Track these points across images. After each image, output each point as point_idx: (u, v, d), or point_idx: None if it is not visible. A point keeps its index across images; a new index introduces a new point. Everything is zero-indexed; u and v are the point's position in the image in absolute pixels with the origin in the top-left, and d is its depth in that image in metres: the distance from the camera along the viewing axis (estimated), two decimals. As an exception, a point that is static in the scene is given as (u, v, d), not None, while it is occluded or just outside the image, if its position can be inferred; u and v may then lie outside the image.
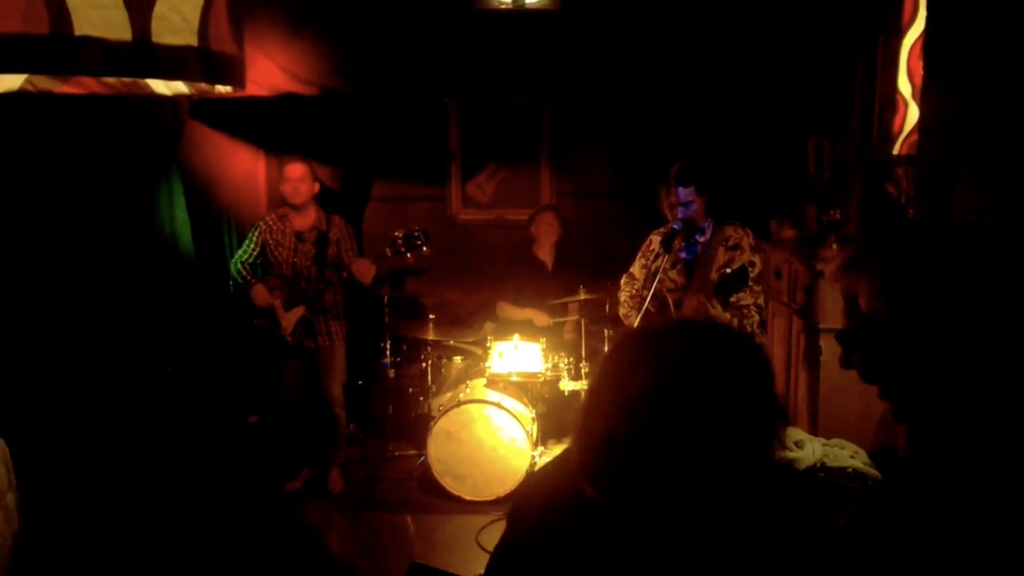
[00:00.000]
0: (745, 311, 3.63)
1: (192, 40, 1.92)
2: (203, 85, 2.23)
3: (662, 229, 4.16)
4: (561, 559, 1.23)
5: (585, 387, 4.86)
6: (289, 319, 4.44)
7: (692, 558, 1.20)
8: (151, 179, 4.91)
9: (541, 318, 5.23)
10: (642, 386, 1.20)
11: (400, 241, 4.36)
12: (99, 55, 1.75)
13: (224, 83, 2.19)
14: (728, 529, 1.24)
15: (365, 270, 4.34)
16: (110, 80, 2.23)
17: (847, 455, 3.14)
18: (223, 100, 4.91)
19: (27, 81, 2.23)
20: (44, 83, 2.23)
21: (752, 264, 3.61)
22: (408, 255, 4.39)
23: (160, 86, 2.42)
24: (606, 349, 5.00)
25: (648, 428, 1.18)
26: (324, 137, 5.55)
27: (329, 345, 4.57)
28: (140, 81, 2.34)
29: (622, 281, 4.36)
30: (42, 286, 4.25)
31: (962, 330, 1.06)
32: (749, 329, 3.62)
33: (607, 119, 5.96)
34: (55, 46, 1.69)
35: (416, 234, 4.39)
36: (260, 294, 4.43)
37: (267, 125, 5.43)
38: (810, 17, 4.94)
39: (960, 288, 1.07)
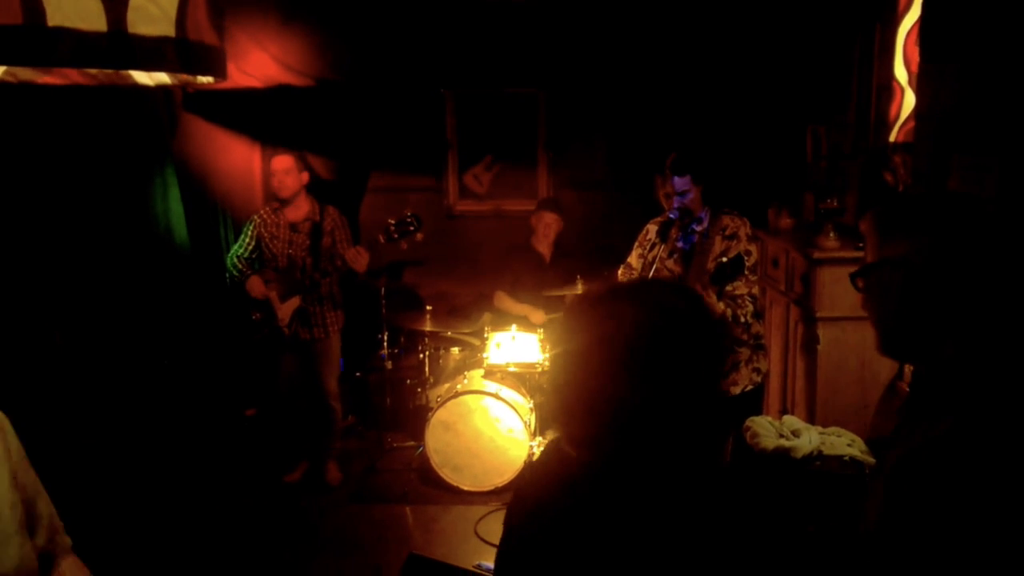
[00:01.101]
0: (739, 300, 3.61)
1: (170, 31, 1.90)
2: (184, 76, 2.21)
3: (659, 219, 4.13)
4: (564, 538, 1.25)
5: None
6: (285, 311, 4.43)
7: (684, 534, 1.23)
8: (145, 172, 4.90)
9: (537, 315, 5.22)
10: (620, 345, 1.24)
11: (393, 227, 4.34)
12: (74, 46, 1.73)
13: (204, 74, 2.17)
14: (713, 506, 1.28)
15: (358, 257, 4.31)
16: (92, 71, 2.21)
17: (844, 443, 3.13)
18: (217, 92, 4.89)
19: (7, 72, 2.21)
20: (25, 74, 2.21)
21: (748, 253, 3.59)
22: (401, 241, 4.36)
23: (143, 77, 2.40)
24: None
25: (630, 383, 1.22)
26: (319, 128, 5.52)
27: (324, 337, 4.56)
28: (122, 72, 2.32)
29: (619, 271, 4.34)
30: (37, 281, 4.25)
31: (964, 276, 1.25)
32: (743, 319, 3.61)
33: (604, 109, 5.93)
34: (29, 37, 1.67)
35: (408, 219, 4.33)
36: (256, 286, 4.42)
37: (262, 117, 5.41)
38: (807, 5, 4.91)
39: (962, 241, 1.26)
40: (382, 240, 4.35)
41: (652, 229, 4.10)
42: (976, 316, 1.25)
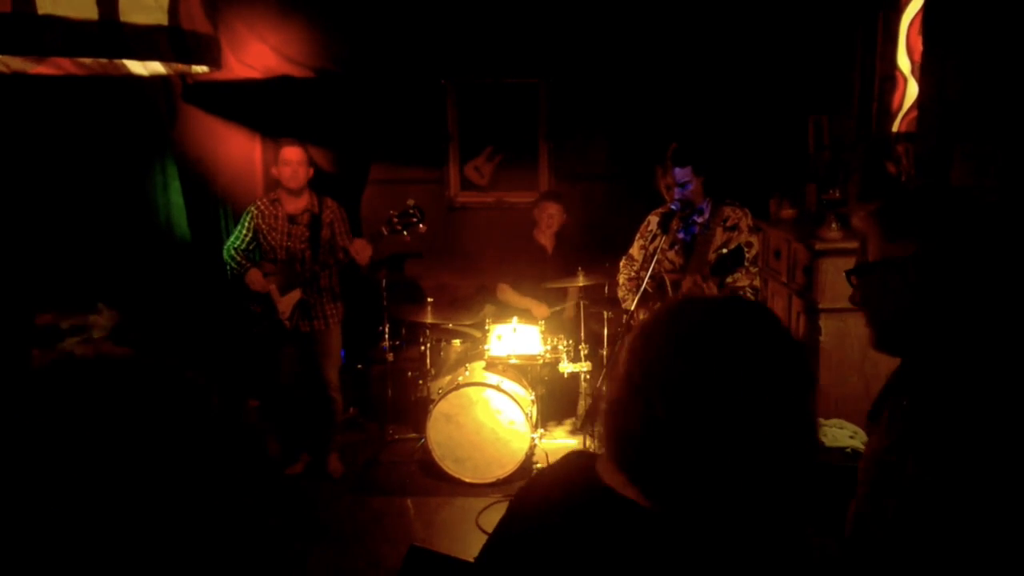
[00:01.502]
0: (740, 292, 3.60)
1: (162, 19, 1.88)
2: (179, 65, 2.19)
3: (660, 210, 4.12)
4: (565, 556, 1.15)
5: (587, 369, 4.84)
6: (286, 303, 4.42)
7: (724, 558, 1.10)
8: (146, 164, 4.89)
9: (540, 309, 5.21)
10: (674, 367, 1.10)
11: (396, 219, 4.32)
12: (64, 35, 1.71)
13: (198, 63, 2.15)
14: (765, 528, 1.14)
15: (362, 250, 4.30)
16: (85, 60, 2.19)
17: (846, 435, 3.13)
18: (217, 83, 4.87)
19: (0, 63, 2.19)
20: (16, 64, 2.19)
21: (749, 245, 3.58)
22: (404, 232, 4.34)
23: (137, 67, 2.38)
24: (605, 331, 4.98)
25: (689, 412, 1.08)
26: (320, 120, 5.50)
27: (325, 328, 4.55)
28: (115, 61, 2.30)
29: (621, 263, 4.33)
30: (37, 271, 4.24)
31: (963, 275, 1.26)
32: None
33: (605, 100, 5.90)
34: (18, 25, 1.65)
35: (411, 211, 4.32)
36: (255, 279, 4.41)
37: (262, 108, 5.38)
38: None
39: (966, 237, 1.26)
40: (385, 232, 4.34)
41: (654, 220, 4.09)
42: (975, 316, 1.25)
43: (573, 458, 1.30)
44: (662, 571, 1.09)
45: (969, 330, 1.25)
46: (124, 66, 2.30)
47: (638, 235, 4.22)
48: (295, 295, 4.42)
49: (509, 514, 1.31)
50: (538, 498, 1.29)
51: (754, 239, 3.89)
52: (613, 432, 1.17)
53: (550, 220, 5.36)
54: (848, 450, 3.03)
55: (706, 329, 1.13)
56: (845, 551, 1.41)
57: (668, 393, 1.08)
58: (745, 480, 1.08)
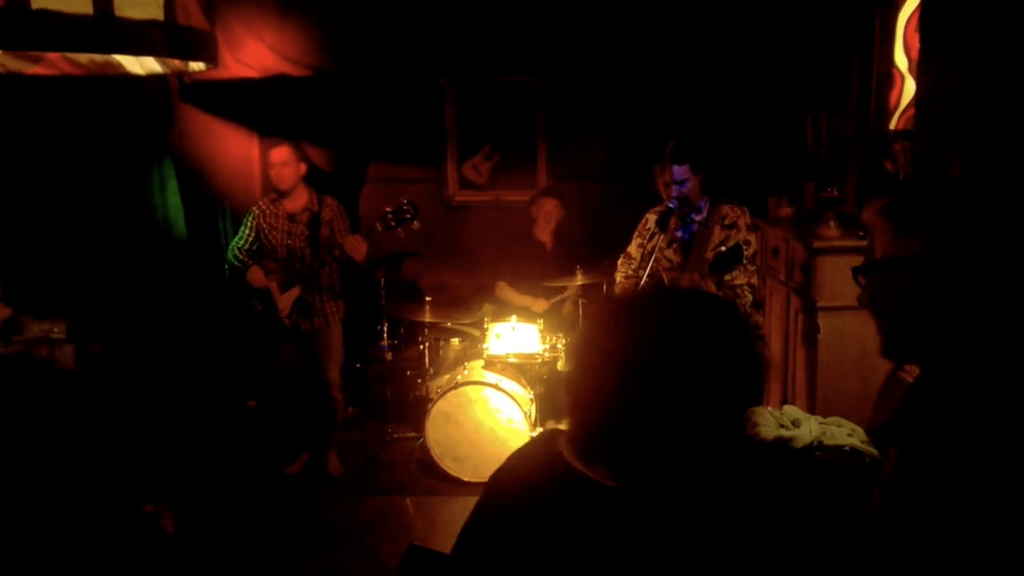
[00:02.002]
0: (738, 290, 3.60)
1: (158, 14, 1.87)
2: (176, 63, 2.18)
3: (657, 208, 4.12)
4: (537, 535, 1.21)
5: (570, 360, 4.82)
6: (285, 301, 4.42)
7: (687, 538, 1.18)
8: (143, 164, 4.89)
9: (539, 304, 5.21)
10: (639, 353, 1.17)
11: (390, 216, 4.32)
12: (58, 29, 1.70)
13: (195, 59, 2.15)
14: (719, 505, 1.23)
15: (356, 246, 4.29)
16: (80, 60, 2.18)
17: (845, 433, 3.12)
18: (214, 82, 4.87)
19: (-3, 63, 2.19)
20: (12, 64, 2.18)
21: (747, 243, 3.58)
22: (399, 228, 4.34)
23: (132, 64, 2.37)
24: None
25: (651, 395, 1.16)
26: (317, 119, 5.50)
27: (325, 327, 4.55)
28: (111, 61, 2.29)
29: (619, 261, 4.33)
30: (35, 272, 4.24)
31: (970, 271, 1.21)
32: (742, 309, 3.59)
33: (604, 98, 5.89)
34: (11, 19, 1.64)
35: (405, 208, 4.32)
36: (256, 276, 4.42)
37: (259, 107, 5.38)
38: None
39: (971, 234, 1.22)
40: (379, 229, 4.34)
41: (651, 218, 4.09)
42: (987, 317, 1.21)
43: (546, 437, 1.35)
44: (633, 547, 1.16)
45: (981, 333, 1.22)
46: (120, 65, 2.30)
47: (636, 234, 4.22)
48: (294, 293, 4.43)
49: (484, 497, 1.34)
50: (509, 481, 1.33)
51: (752, 237, 3.89)
52: (580, 419, 1.24)
53: (548, 216, 5.36)
54: (846, 448, 3.03)
55: (670, 320, 1.20)
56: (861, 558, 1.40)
57: (636, 382, 1.15)
58: (703, 456, 1.18)
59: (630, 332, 1.20)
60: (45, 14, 1.66)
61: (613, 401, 1.17)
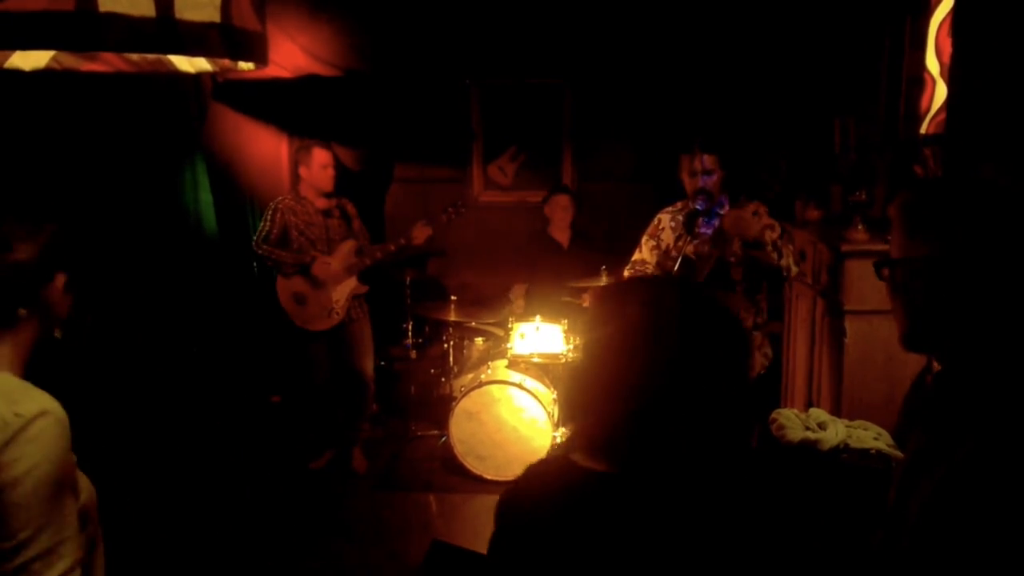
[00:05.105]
0: (782, 242, 3.63)
1: (215, 16, 1.93)
2: (227, 62, 2.23)
3: (669, 209, 4.08)
4: (565, 541, 1.22)
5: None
6: (341, 292, 4.51)
7: (703, 535, 1.19)
8: (176, 161, 4.96)
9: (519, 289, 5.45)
10: (652, 357, 1.20)
11: (451, 208, 4.76)
12: (123, 32, 1.76)
13: (247, 60, 2.20)
14: (737, 501, 1.24)
15: (423, 231, 4.58)
16: (134, 57, 2.24)
17: (871, 436, 3.11)
18: (246, 82, 4.93)
19: (53, 59, 2.25)
20: (70, 61, 2.24)
21: (772, 227, 3.59)
22: (454, 216, 4.80)
23: (184, 63, 2.43)
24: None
25: (663, 395, 1.19)
26: (346, 119, 5.56)
27: (362, 316, 4.66)
28: (164, 58, 2.35)
29: (625, 273, 4.22)
30: (72, 264, 4.31)
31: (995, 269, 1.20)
32: (786, 262, 3.63)
33: (629, 101, 5.91)
34: (80, 23, 1.70)
35: (460, 203, 4.86)
36: (323, 268, 4.43)
37: (290, 107, 5.45)
38: (837, -4, 4.86)
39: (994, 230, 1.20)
40: (444, 220, 4.72)
41: (664, 219, 4.04)
42: (1004, 315, 1.20)
43: (557, 450, 1.38)
44: (654, 541, 1.18)
45: (1001, 330, 1.21)
46: (171, 63, 2.36)
47: (645, 236, 4.11)
48: (349, 283, 4.51)
49: (503, 509, 1.34)
50: (527, 494, 1.34)
51: (775, 223, 3.85)
52: (600, 415, 1.25)
53: (563, 213, 5.38)
54: (872, 451, 3.02)
55: (672, 315, 1.23)
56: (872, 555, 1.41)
57: (644, 378, 1.19)
58: (706, 445, 1.22)
59: (638, 333, 1.22)
60: (112, 17, 1.72)
61: (637, 395, 1.20)
